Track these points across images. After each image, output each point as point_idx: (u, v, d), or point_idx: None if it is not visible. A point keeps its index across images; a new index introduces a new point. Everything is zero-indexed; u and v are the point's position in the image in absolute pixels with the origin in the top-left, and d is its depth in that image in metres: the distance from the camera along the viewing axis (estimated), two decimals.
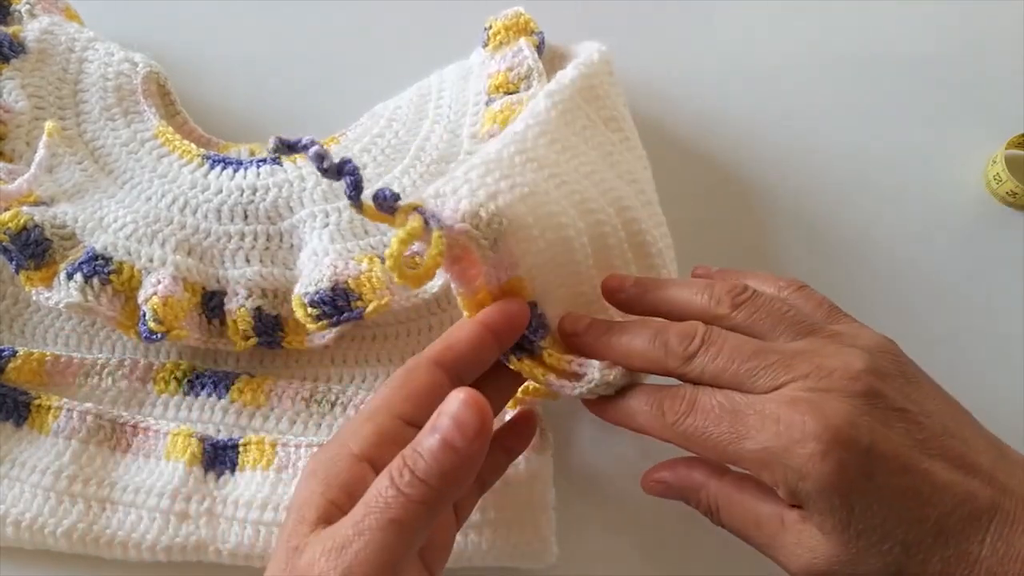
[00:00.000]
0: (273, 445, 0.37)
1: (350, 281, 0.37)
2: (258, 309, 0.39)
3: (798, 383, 0.29)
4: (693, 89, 0.48)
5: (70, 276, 0.37)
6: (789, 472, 0.28)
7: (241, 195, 0.41)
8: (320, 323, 0.38)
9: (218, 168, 0.42)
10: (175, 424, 0.38)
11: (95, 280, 0.37)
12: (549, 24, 0.44)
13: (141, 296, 0.38)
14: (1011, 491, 0.28)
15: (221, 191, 0.41)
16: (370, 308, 0.37)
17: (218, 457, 0.37)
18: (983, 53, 0.50)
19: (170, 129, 0.43)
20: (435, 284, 0.39)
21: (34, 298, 0.38)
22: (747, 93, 0.49)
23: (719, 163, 0.47)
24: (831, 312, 0.34)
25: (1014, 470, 0.29)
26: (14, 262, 0.37)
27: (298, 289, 0.38)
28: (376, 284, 0.38)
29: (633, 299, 0.35)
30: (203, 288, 0.39)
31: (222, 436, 0.38)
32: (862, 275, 0.45)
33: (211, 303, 0.39)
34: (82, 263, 0.38)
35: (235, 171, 0.41)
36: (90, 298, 0.37)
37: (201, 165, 0.42)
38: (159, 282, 0.38)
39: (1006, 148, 0.47)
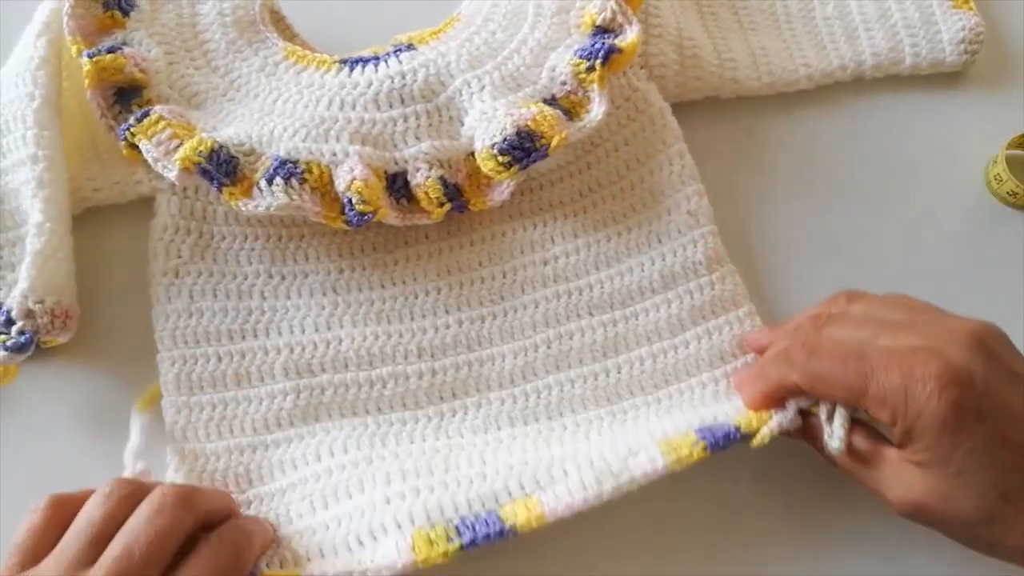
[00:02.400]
0: None
1: (529, 123, 0.40)
2: (441, 178, 0.41)
3: (919, 338, 0.32)
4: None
5: (270, 181, 0.39)
6: (909, 408, 0.31)
7: (392, 82, 0.42)
8: (511, 169, 0.40)
9: (359, 67, 0.43)
10: None
11: (293, 180, 0.39)
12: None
13: (340, 185, 0.39)
14: None
15: (372, 83, 0.43)
16: (555, 143, 0.40)
17: None
18: (983, 53, 0.49)
19: (298, 48, 0.45)
20: (597, 115, 0.41)
21: (242, 207, 0.39)
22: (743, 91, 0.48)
23: (718, 163, 0.46)
24: (927, 306, 0.36)
25: None
26: (215, 181, 0.39)
27: (483, 144, 0.40)
28: (552, 121, 0.40)
29: (756, 342, 0.40)
30: (384, 172, 0.41)
31: None
32: (862, 275, 0.44)
33: (395, 185, 0.41)
34: (276, 169, 0.39)
35: (376, 66, 0.43)
36: (294, 197, 0.39)
37: (341, 69, 0.43)
38: (352, 169, 0.40)
39: (1007, 148, 0.46)
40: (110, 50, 0.41)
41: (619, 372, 0.41)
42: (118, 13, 0.43)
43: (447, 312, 0.42)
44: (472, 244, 0.43)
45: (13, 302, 0.38)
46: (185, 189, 0.42)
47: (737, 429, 0.36)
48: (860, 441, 0.34)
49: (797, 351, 0.34)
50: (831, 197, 0.46)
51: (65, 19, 0.42)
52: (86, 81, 0.41)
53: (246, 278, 0.42)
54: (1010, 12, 0.51)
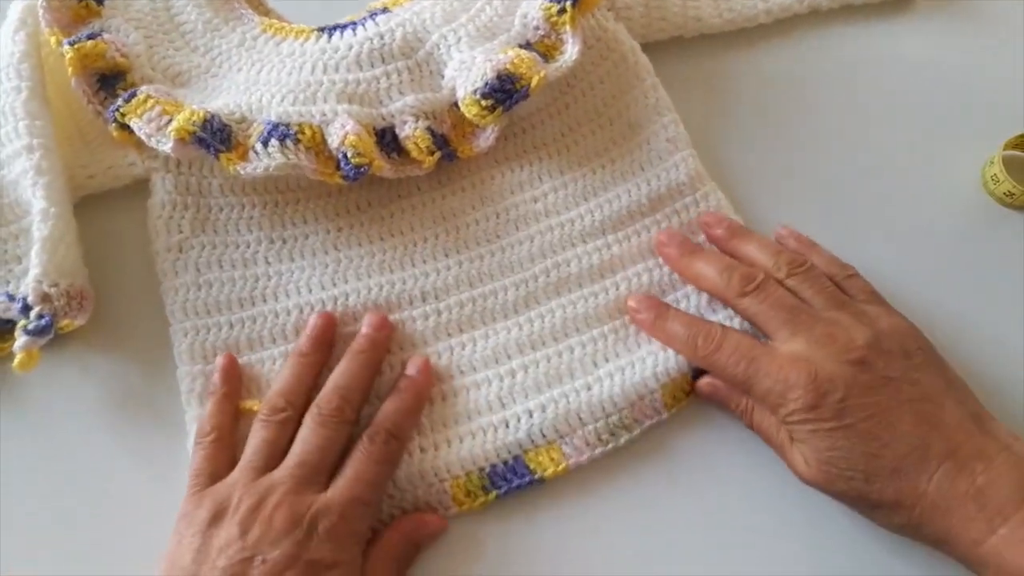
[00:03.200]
0: None
1: (508, 67, 0.41)
2: (428, 128, 0.43)
3: (808, 344, 0.37)
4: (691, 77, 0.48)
5: (265, 144, 0.40)
6: (781, 409, 0.37)
7: (372, 43, 0.44)
8: (496, 112, 0.41)
9: (337, 33, 0.45)
10: None
11: (288, 141, 0.40)
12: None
13: (334, 142, 0.41)
14: (966, 448, 0.35)
15: (352, 46, 0.44)
16: (534, 83, 0.41)
17: None
18: (982, 53, 0.50)
19: (275, 21, 0.46)
20: (572, 54, 0.43)
21: (240, 170, 0.40)
22: (743, 92, 0.48)
23: (717, 163, 0.47)
24: (870, 297, 0.41)
25: (982, 436, 0.36)
26: (211, 148, 0.40)
27: (465, 91, 0.42)
28: (530, 63, 0.42)
29: (720, 239, 0.43)
30: (373, 128, 0.42)
31: None
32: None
33: (384, 139, 0.43)
34: (269, 132, 0.40)
35: (354, 30, 0.45)
36: (290, 156, 0.40)
37: (320, 37, 0.45)
38: (343, 126, 0.41)
39: (1004, 149, 0.46)
40: (90, 37, 0.42)
41: (617, 289, 0.42)
42: (92, 2, 0.43)
43: (446, 255, 0.43)
44: (463, 190, 0.44)
45: (28, 288, 0.39)
46: (179, 164, 0.43)
47: None
48: (760, 419, 0.39)
49: (702, 341, 0.39)
50: (828, 197, 0.47)
51: (41, 12, 0.42)
52: (69, 69, 0.41)
53: (248, 246, 0.43)
54: (1010, 12, 0.52)
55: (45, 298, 0.39)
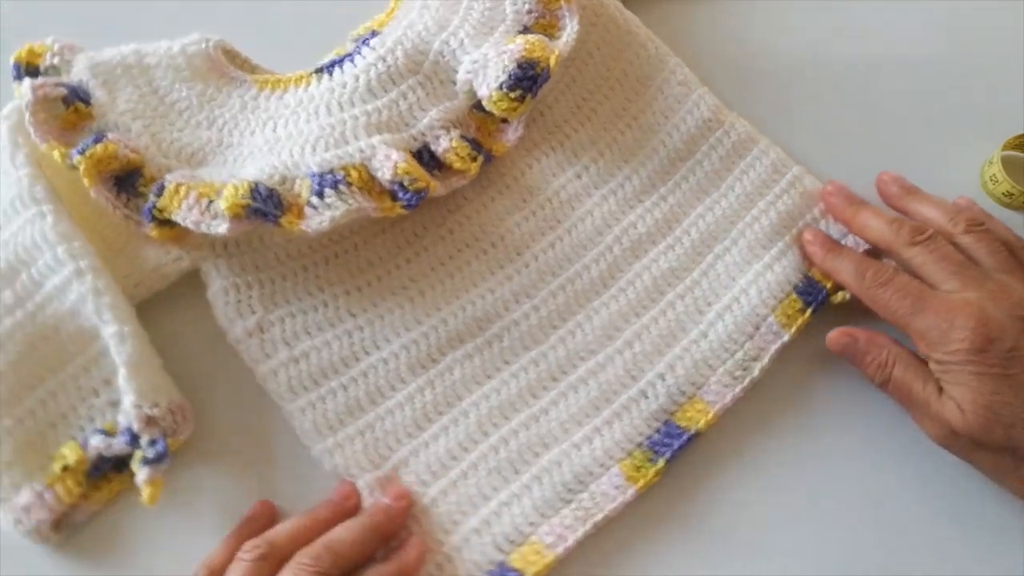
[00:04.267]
0: None
1: (524, 53, 0.42)
2: (462, 136, 0.42)
3: (979, 294, 0.37)
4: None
5: (320, 195, 0.39)
6: (941, 346, 0.37)
7: (376, 69, 0.43)
8: (525, 102, 0.41)
9: (336, 69, 0.44)
10: None
11: (340, 186, 0.39)
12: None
13: (385, 175, 0.40)
14: None
15: (358, 77, 0.43)
16: (552, 62, 0.42)
17: None
18: (981, 54, 0.51)
19: (267, 76, 0.44)
20: (574, 27, 0.44)
21: (305, 228, 0.39)
22: (744, 93, 0.48)
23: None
24: None
25: None
26: (269, 216, 0.38)
27: (488, 89, 0.41)
28: (541, 44, 0.42)
29: (895, 196, 0.44)
30: (408, 151, 0.42)
31: None
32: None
33: (423, 160, 0.42)
34: (319, 183, 0.39)
35: (352, 61, 0.44)
36: (350, 201, 0.39)
37: (320, 78, 0.44)
38: (388, 157, 0.40)
39: (1003, 149, 0.47)
40: (96, 140, 0.39)
41: (689, 235, 0.44)
42: (80, 104, 0.40)
43: (518, 254, 0.43)
44: (508, 188, 0.45)
45: (130, 416, 0.36)
46: (227, 246, 0.41)
47: (824, 288, 0.43)
48: (925, 368, 0.39)
49: (871, 274, 0.40)
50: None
51: (32, 131, 0.39)
52: (85, 180, 0.39)
53: (327, 305, 0.41)
54: (1009, 12, 0.52)
55: (151, 422, 0.37)
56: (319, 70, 0.44)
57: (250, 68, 0.45)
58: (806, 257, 0.43)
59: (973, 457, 0.38)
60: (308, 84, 0.44)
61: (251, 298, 0.41)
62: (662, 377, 0.41)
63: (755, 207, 0.44)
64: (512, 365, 0.41)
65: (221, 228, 0.38)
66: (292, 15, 0.50)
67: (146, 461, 0.36)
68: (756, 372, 0.41)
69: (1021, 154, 0.48)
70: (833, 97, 0.49)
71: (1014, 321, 0.36)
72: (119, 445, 0.37)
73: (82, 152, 0.39)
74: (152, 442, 0.36)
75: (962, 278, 0.38)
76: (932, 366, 0.38)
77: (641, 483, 0.39)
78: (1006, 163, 0.46)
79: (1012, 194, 0.46)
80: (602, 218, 0.44)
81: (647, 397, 0.41)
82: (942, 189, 0.46)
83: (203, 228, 0.38)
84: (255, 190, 0.38)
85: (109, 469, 0.38)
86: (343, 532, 0.36)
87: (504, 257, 0.43)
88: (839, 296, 0.43)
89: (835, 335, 0.41)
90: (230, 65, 0.44)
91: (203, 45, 0.43)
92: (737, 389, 0.41)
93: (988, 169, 0.47)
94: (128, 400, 0.37)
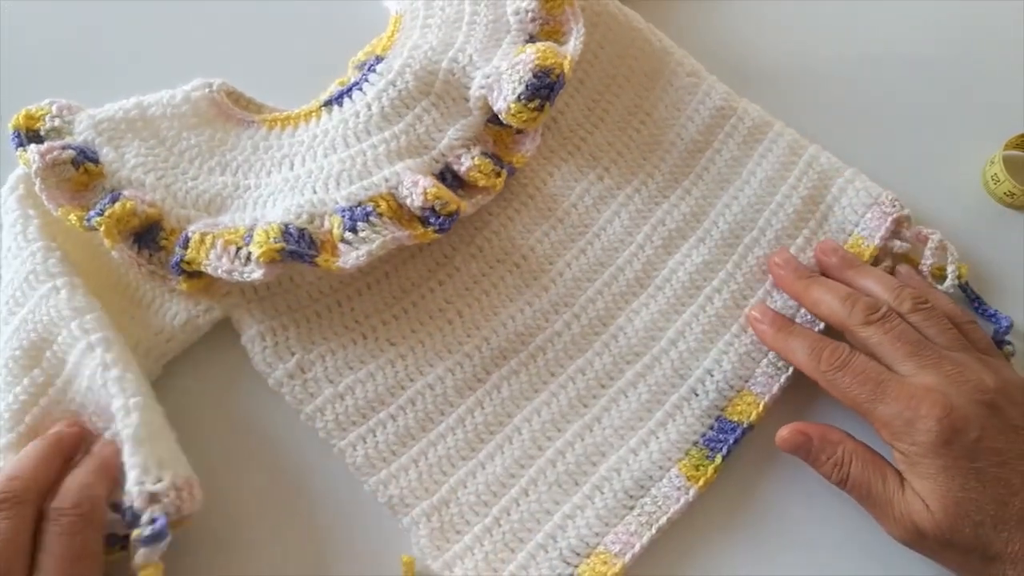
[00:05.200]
0: None
1: (538, 62, 0.41)
2: (483, 152, 0.42)
3: (938, 378, 0.36)
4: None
5: (353, 230, 0.38)
6: (907, 437, 0.35)
7: (388, 94, 0.42)
8: (545, 110, 0.41)
9: (346, 99, 0.43)
10: None
11: (371, 219, 0.38)
12: None
13: (415, 202, 0.39)
14: None
15: (370, 105, 0.42)
16: (567, 67, 0.41)
17: None
18: (982, 53, 0.50)
19: (274, 114, 0.43)
20: (581, 29, 0.43)
21: (343, 265, 0.38)
22: (744, 93, 0.48)
23: None
24: (989, 348, 0.40)
25: None
26: (305, 257, 0.37)
27: (506, 102, 0.41)
28: (552, 51, 0.42)
29: (835, 268, 0.42)
30: (432, 173, 0.41)
31: None
32: None
33: (446, 181, 0.41)
34: (350, 218, 0.38)
35: (361, 89, 0.43)
36: (384, 232, 0.38)
37: (331, 110, 0.43)
38: (415, 183, 0.39)
39: (1004, 149, 0.47)
40: (113, 200, 0.38)
41: (718, 226, 0.44)
42: (90, 165, 0.39)
43: (551, 264, 0.43)
44: (531, 198, 0.44)
45: (131, 494, 0.34)
46: (256, 291, 0.40)
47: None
48: (885, 464, 0.37)
49: (828, 357, 0.38)
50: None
51: (44, 197, 0.38)
52: (107, 241, 0.38)
53: (365, 337, 0.41)
54: (1010, 12, 0.52)
55: (153, 498, 0.34)
56: (327, 103, 0.43)
57: (256, 108, 0.44)
58: (775, 279, 0.42)
59: (939, 557, 0.36)
60: (319, 118, 0.43)
61: (288, 339, 0.40)
62: (710, 373, 0.41)
63: (778, 193, 0.44)
64: (559, 377, 0.41)
65: (256, 275, 0.37)
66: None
67: (142, 541, 0.33)
68: None
69: (1022, 153, 0.48)
70: (834, 97, 0.49)
71: (977, 407, 0.35)
72: (121, 523, 0.35)
73: (101, 213, 0.38)
74: (152, 520, 0.34)
75: (919, 360, 0.37)
76: (896, 456, 0.37)
77: (702, 482, 0.39)
78: (1008, 162, 0.46)
79: (1014, 193, 0.46)
80: (629, 218, 0.44)
81: (697, 395, 0.40)
82: (944, 189, 0.47)
83: (236, 276, 0.37)
84: (286, 232, 0.38)
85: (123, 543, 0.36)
86: (81, 474, 0.34)
87: (537, 268, 0.43)
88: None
89: (786, 434, 0.38)
90: (235, 107, 0.43)
91: (206, 90, 0.42)
92: (783, 379, 0.41)
93: (990, 169, 0.47)
94: (131, 476, 0.34)
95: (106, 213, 0.37)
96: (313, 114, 0.43)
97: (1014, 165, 0.46)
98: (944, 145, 0.48)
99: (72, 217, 0.38)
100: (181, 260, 0.38)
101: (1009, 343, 0.42)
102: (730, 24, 0.51)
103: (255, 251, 0.37)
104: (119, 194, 0.38)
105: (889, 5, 0.52)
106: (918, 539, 0.35)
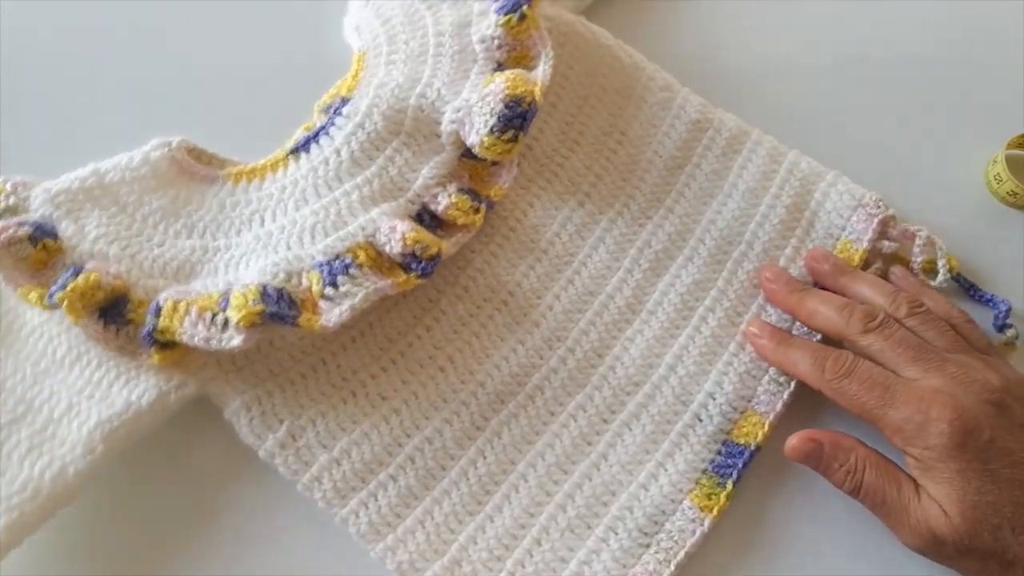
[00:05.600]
0: None
1: (508, 91, 0.40)
2: (460, 189, 0.40)
3: (944, 380, 0.35)
4: (691, 88, 0.47)
5: (333, 285, 0.37)
6: (919, 440, 0.34)
7: (357, 137, 0.41)
8: (518, 140, 0.40)
9: (313, 145, 0.41)
10: None
11: (351, 271, 0.37)
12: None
13: (395, 248, 0.38)
14: None
15: (339, 150, 0.40)
16: (537, 94, 0.40)
17: None
18: (983, 53, 0.50)
19: (238, 167, 0.41)
20: (550, 52, 0.42)
21: (326, 324, 0.36)
22: (745, 93, 0.48)
23: None
24: (988, 348, 0.40)
25: None
26: (287, 319, 0.36)
27: (478, 136, 0.40)
28: (522, 78, 0.40)
29: (827, 275, 0.41)
30: (409, 215, 0.40)
31: None
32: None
33: (424, 221, 0.40)
34: (328, 273, 0.37)
35: (328, 134, 0.41)
36: (366, 284, 0.37)
37: (298, 158, 0.41)
38: (392, 229, 0.38)
39: (1007, 148, 0.46)
40: (76, 273, 0.36)
41: (705, 244, 0.43)
42: (48, 240, 0.37)
43: (539, 298, 0.41)
44: (512, 231, 0.43)
45: None
46: (234, 359, 0.38)
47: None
48: (898, 471, 0.36)
49: (832, 365, 0.37)
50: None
51: (1, 278, 0.36)
52: (69, 317, 0.35)
53: (355, 395, 0.39)
54: (1010, 12, 0.52)
55: None
56: (294, 151, 0.41)
57: (219, 163, 0.42)
58: (768, 294, 0.41)
59: (957, 564, 0.35)
60: (286, 167, 0.41)
61: (275, 407, 0.38)
62: (712, 396, 0.40)
63: (762, 203, 0.43)
64: (559, 416, 0.40)
65: (235, 341, 0.35)
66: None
67: None
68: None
69: None
70: (836, 97, 0.49)
71: (985, 407, 0.35)
72: None
73: (63, 287, 0.35)
74: None
75: (922, 364, 0.36)
76: (909, 461, 0.36)
77: (716, 511, 0.38)
78: (1010, 162, 0.46)
79: (1016, 193, 0.46)
80: (614, 243, 0.43)
81: (701, 420, 0.39)
82: (946, 188, 0.46)
83: (214, 344, 0.35)
84: (264, 293, 0.36)
85: None
86: None
87: (526, 304, 0.41)
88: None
89: (797, 442, 0.37)
90: (197, 164, 0.41)
91: (165, 149, 0.40)
92: (785, 395, 0.40)
93: (992, 168, 0.47)
94: None
95: (68, 287, 0.35)
96: (280, 163, 0.41)
97: (1017, 164, 0.46)
98: (946, 145, 0.48)
99: (32, 296, 0.36)
100: (153, 330, 0.36)
101: (1011, 325, 0.42)
102: (728, 22, 0.51)
103: (233, 316, 0.35)
104: (81, 267, 0.36)
105: (889, 5, 0.52)
106: (935, 547, 0.34)
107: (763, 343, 0.40)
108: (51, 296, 0.36)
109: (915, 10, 0.52)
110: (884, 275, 0.43)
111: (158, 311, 0.36)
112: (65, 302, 0.35)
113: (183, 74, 0.48)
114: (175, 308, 0.36)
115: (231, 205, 0.40)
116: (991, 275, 0.44)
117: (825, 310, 0.39)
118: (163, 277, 0.38)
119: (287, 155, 0.41)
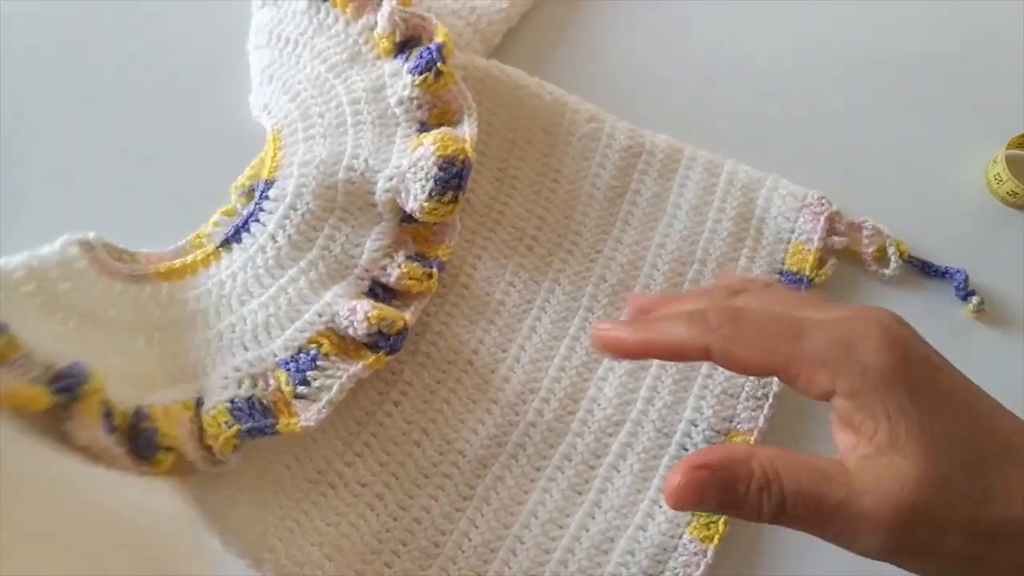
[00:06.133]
0: None
1: (439, 152, 0.39)
2: (407, 256, 0.40)
3: (844, 311, 0.28)
4: (692, 87, 0.47)
5: (304, 382, 0.35)
6: (850, 365, 0.26)
7: (291, 220, 0.39)
8: (458, 200, 0.39)
9: (244, 234, 0.39)
10: None
11: (319, 363, 0.36)
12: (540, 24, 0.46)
13: (359, 331, 0.36)
14: None
15: (276, 236, 0.39)
16: (468, 150, 0.39)
17: None
18: (983, 53, 0.50)
19: (167, 265, 0.38)
20: (471, 105, 0.41)
21: (307, 424, 0.35)
22: (746, 93, 0.48)
23: None
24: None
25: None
26: (266, 431, 0.34)
27: (417, 201, 0.39)
28: (450, 136, 0.40)
29: (653, 306, 0.32)
30: (361, 292, 0.38)
31: None
32: (862, 274, 0.45)
33: (377, 296, 0.39)
34: (296, 370, 0.35)
35: (259, 220, 0.39)
36: (337, 373, 0.36)
37: (230, 249, 0.39)
38: (352, 311, 0.37)
39: (1006, 148, 0.46)
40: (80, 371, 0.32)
41: (658, 269, 0.43)
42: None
43: (504, 351, 0.41)
44: (466, 288, 0.42)
45: None
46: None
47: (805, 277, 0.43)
48: (814, 458, 0.26)
49: (715, 313, 0.28)
50: (831, 196, 0.45)
51: None
52: (85, 421, 0.31)
53: (333, 487, 0.37)
54: (1010, 12, 0.52)
55: None
56: (225, 241, 0.39)
57: (130, 257, 0.38)
58: (613, 352, 0.30)
59: (936, 548, 0.25)
60: (218, 261, 0.39)
61: (258, 512, 0.36)
62: (694, 424, 0.40)
63: (708, 219, 0.44)
64: (545, 470, 0.39)
65: (229, 465, 0.34)
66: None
67: None
68: (775, 386, 0.40)
69: None
70: (837, 97, 0.49)
71: (901, 323, 0.28)
72: None
73: (70, 388, 0.31)
74: None
75: (811, 306, 0.29)
76: (841, 405, 0.26)
77: (716, 539, 0.38)
78: (1010, 162, 0.46)
79: (1016, 193, 0.46)
80: (570, 283, 0.42)
81: (687, 449, 0.39)
82: (946, 188, 0.46)
83: (207, 466, 0.34)
84: (234, 409, 0.34)
85: None
86: None
87: (492, 361, 0.41)
88: (823, 275, 0.43)
89: (681, 479, 0.26)
90: (117, 265, 0.38)
91: (82, 248, 0.36)
92: (765, 408, 0.40)
93: (992, 168, 0.47)
94: None
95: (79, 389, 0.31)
96: (211, 257, 0.39)
97: (1017, 164, 0.46)
98: (946, 145, 0.48)
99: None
100: (156, 434, 0.33)
101: (974, 292, 0.43)
102: (729, 21, 0.51)
103: (216, 443, 0.33)
104: (79, 364, 0.32)
105: (890, 5, 0.52)
106: (904, 528, 0.25)
107: (617, 335, 0.30)
108: (60, 389, 0.31)
109: (915, 10, 0.52)
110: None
111: (146, 416, 0.33)
112: (81, 404, 0.31)
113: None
114: (167, 412, 0.34)
115: (164, 307, 0.37)
116: (991, 275, 0.44)
117: (675, 328, 0.29)
118: (133, 388, 0.35)
119: (216, 248, 0.39)
